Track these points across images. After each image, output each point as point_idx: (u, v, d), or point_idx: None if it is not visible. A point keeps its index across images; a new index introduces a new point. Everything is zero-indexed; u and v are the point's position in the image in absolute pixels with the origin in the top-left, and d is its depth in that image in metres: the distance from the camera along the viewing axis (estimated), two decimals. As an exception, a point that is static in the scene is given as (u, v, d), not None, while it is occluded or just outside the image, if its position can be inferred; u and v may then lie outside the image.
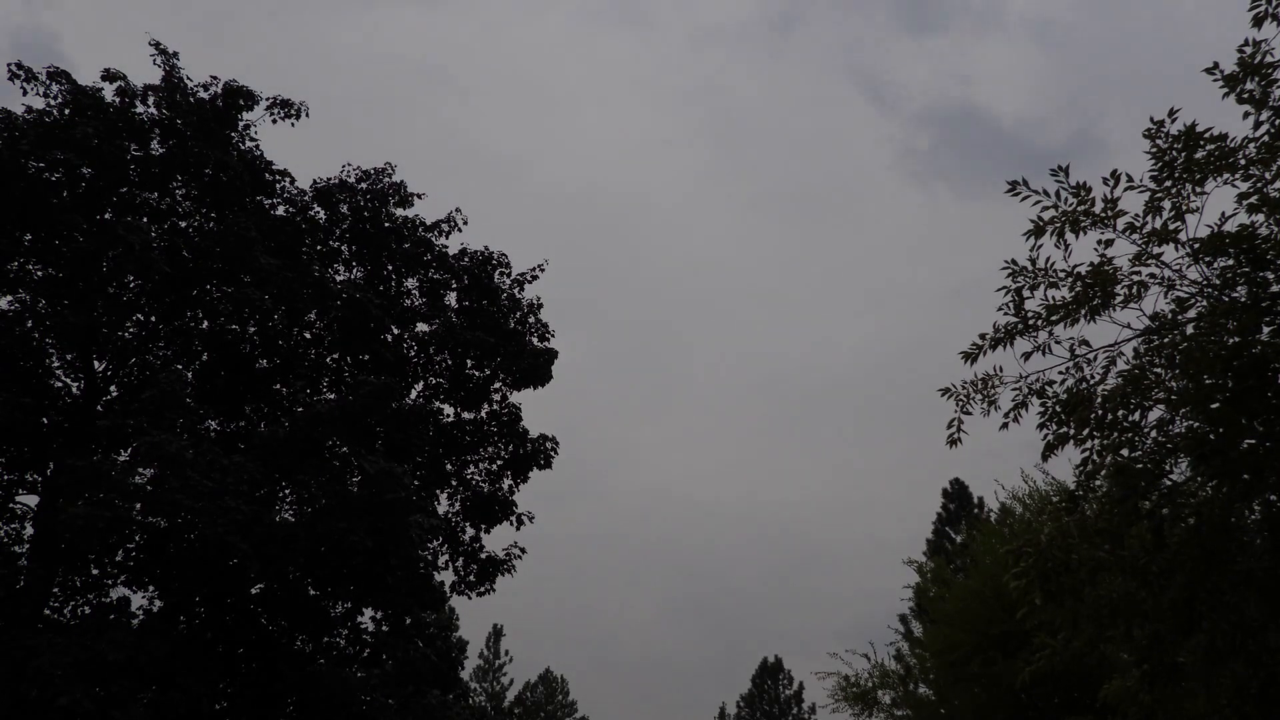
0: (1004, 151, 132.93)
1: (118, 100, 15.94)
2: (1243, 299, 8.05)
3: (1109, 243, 8.72)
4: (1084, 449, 8.94)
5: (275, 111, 17.15)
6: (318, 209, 17.71)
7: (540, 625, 78.25)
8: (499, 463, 18.31)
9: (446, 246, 18.28)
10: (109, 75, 15.93)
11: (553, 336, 18.62)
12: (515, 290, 18.48)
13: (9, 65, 15.45)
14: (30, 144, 14.61)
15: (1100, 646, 10.40)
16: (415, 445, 16.65)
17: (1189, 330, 8.35)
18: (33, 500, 15.19)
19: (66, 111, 15.40)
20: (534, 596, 79.42)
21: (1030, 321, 9.05)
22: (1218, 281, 8.25)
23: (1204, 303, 8.39)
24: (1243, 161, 8.17)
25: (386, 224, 17.81)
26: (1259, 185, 8.18)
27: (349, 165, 17.84)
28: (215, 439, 15.50)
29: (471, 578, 17.76)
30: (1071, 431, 8.91)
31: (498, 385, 18.36)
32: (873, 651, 22.74)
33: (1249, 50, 7.94)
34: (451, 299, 18.41)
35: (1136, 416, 8.82)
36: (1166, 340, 8.48)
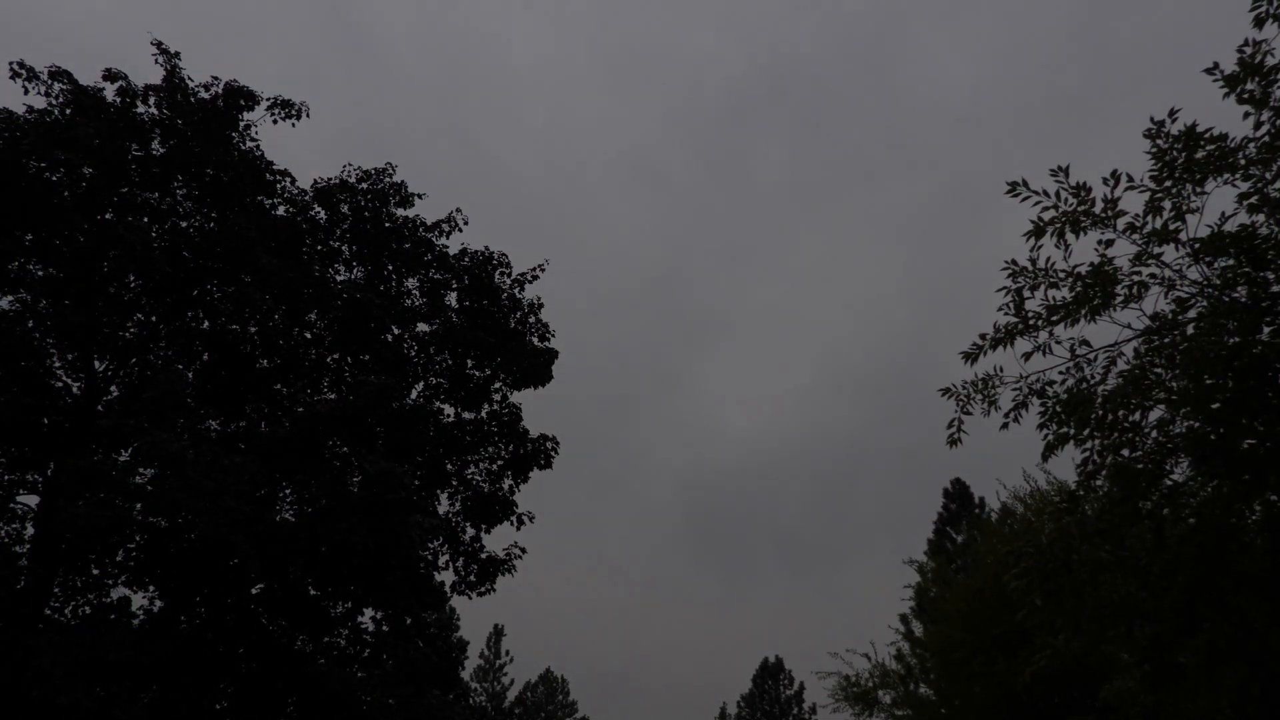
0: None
1: (119, 100, 15.93)
2: (1243, 299, 8.05)
3: (1109, 243, 8.72)
4: (1084, 449, 8.94)
5: (276, 112, 17.14)
6: (318, 209, 17.70)
7: (540, 625, 78.36)
8: (499, 463, 18.29)
9: (447, 246, 18.27)
10: (110, 75, 15.93)
11: (553, 336, 18.62)
12: (515, 290, 18.46)
13: (10, 64, 15.45)
14: (31, 143, 14.59)
15: (1101, 647, 10.39)
16: (415, 445, 16.64)
17: (1189, 330, 8.35)
18: (33, 500, 15.18)
19: (68, 111, 15.39)
20: (535, 596, 79.66)
21: (1031, 321, 9.06)
22: (1218, 281, 8.25)
23: (1204, 303, 8.39)
24: (1243, 161, 8.17)
25: (387, 224, 17.80)
26: (1259, 185, 8.18)
27: (349, 165, 17.86)
28: (216, 439, 15.49)
29: (472, 578, 17.73)
30: (1072, 432, 8.91)
31: (498, 385, 18.34)
32: (873, 651, 22.70)
33: (1249, 50, 7.93)
34: (452, 299, 18.39)
35: (1137, 417, 8.82)
36: (1167, 340, 8.48)
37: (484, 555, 17.82)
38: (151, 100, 16.19)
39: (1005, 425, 9.21)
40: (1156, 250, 8.57)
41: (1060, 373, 9.13)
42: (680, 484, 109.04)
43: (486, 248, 18.33)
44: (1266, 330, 8.01)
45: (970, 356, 9.25)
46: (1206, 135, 8.12)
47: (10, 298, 15.13)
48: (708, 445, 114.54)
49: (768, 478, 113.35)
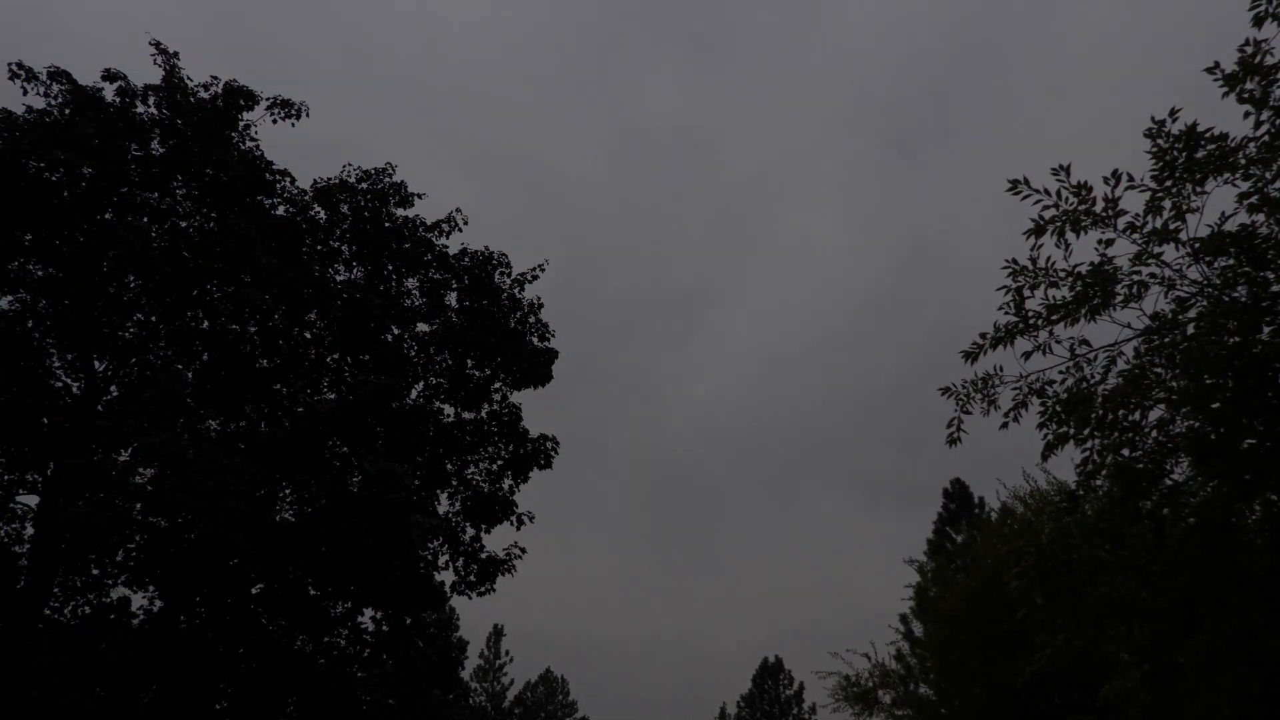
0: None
1: (118, 100, 15.94)
2: (1243, 299, 8.05)
3: (1109, 242, 8.73)
4: (1084, 449, 8.94)
5: (275, 111, 17.16)
6: (318, 209, 17.71)
7: (541, 625, 78.44)
8: (499, 463, 18.29)
9: (447, 246, 18.28)
10: (109, 75, 15.94)
11: (553, 336, 18.63)
12: (515, 290, 18.47)
13: (9, 65, 15.46)
14: (30, 144, 14.60)
15: (1101, 646, 10.39)
16: (415, 445, 16.63)
17: (1189, 330, 8.35)
18: (33, 500, 15.18)
19: (67, 111, 15.40)
20: (535, 595, 79.69)
21: (1031, 321, 9.06)
22: (1218, 281, 8.25)
23: (1204, 302, 8.39)
24: (1243, 161, 8.17)
25: (387, 224, 17.80)
26: (1259, 185, 8.18)
27: (349, 165, 17.88)
28: (215, 439, 15.48)
29: (472, 578, 17.74)
30: (1072, 431, 8.91)
31: (498, 385, 18.35)
32: (873, 651, 22.70)
33: (1249, 50, 7.93)
34: (452, 299, 18.40)
35: (1137, 416, 8.82)
36: (1167, 340, 8.48)
37: (484, 555, 17.82)
38: (151, 100, 16.20)
39: (1005, 425, 9.21)
40: (1156, 250, 8.57)
41: (1060, 372, 9.14)
42: (645, 470, 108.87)
43: (486, 248, 18.36)
44: (1266, 330, 8.02)
45: (970, 355, 9.26)
46: (1207, 135, 8.12)
47: (10, 298, 15.13)
48: (664, 430, 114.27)
49: (734, 456, 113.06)
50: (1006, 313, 9.12)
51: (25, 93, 15.51)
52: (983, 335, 9.21)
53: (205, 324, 16.43)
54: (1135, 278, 8.70)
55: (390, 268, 18.11)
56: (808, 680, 54.67)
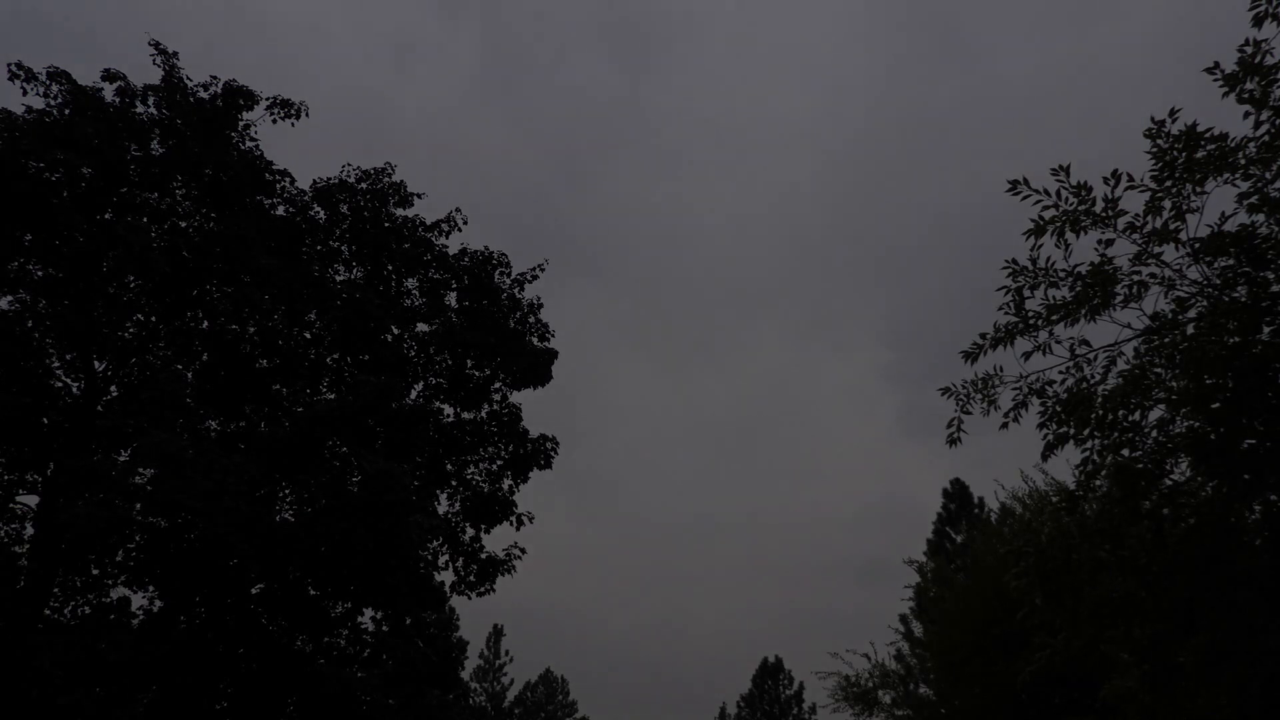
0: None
1: (118, 100, 15.94)
2: (1243, 299, 8.06)
3: (1109, 242, 8.73)
4: (1084, 449, 8.94)
5: (275, 111, 17.15)
6: (318, 209, 17.71)
7: (540, 625, 78.42)
8: (499, 463, 18.29)
9: (446, 246, 18.29)
10: (109, 75, 15.94)
11: (553, 336, 18.64)
12: (515, 290, 18.47)
13: (9, 65, 15.46)
14: (30, 144, 14.59)
15: (1101, 646, 10.38)
16: (415, 445, 16.64)
17: (1189, 330, 8.36)
18: (33, 500, 15.18)
19: (66, 111, 15.40)
20: (536, 595, 79.60)
21: (1031, 321, 9.07)
22: (1218, 281, 8.26)
23: (1204, 303, 8.39)
24: (1243, 161, 8.16)
25: (386, 224, 17.80)
26: (1259, 185, 8.18)
27: (349, 165, 17.88)
28: (215, 439, 15.48)
29: (471, 578, 17.73)
30: (1071, 431, 8.91)
31: (498, 385, 18.35)
32: (873, 651, 22.70)
33: (1249, 50, 7.92)
34: (451, 299, 18.40)
35: (1137, 416, 8.82)
36: (1167, 340, 8.48)
37: (484, 555, 17.82)
38: (150, 100, 16.20)
39: (1005, 425, 9.22)
40: (1156, 250, 8.58)
41: (1060, 372, 9.14)
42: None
43: (486, 248, 18.38)
44: (1266, 330, 8.02)
45: (970, 356, 9.26)
46: (1207, 135, 8.12)
47: (10, 298, 15.13)
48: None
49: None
50: (1006, 313, 9.13)
51: (25, 93, 15.52)
52: (982, 335, 9.22)
53: (205, 324, 16.43)
54: (1135, 278, 8.71)
55: (390, 268, 18.11)
56: (808, 680, 54.70)
